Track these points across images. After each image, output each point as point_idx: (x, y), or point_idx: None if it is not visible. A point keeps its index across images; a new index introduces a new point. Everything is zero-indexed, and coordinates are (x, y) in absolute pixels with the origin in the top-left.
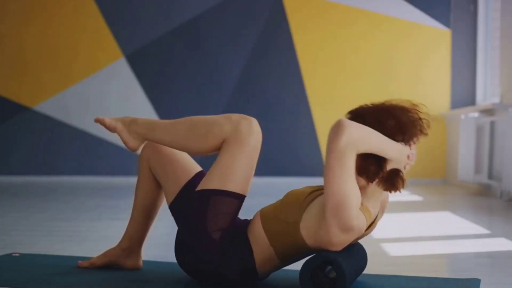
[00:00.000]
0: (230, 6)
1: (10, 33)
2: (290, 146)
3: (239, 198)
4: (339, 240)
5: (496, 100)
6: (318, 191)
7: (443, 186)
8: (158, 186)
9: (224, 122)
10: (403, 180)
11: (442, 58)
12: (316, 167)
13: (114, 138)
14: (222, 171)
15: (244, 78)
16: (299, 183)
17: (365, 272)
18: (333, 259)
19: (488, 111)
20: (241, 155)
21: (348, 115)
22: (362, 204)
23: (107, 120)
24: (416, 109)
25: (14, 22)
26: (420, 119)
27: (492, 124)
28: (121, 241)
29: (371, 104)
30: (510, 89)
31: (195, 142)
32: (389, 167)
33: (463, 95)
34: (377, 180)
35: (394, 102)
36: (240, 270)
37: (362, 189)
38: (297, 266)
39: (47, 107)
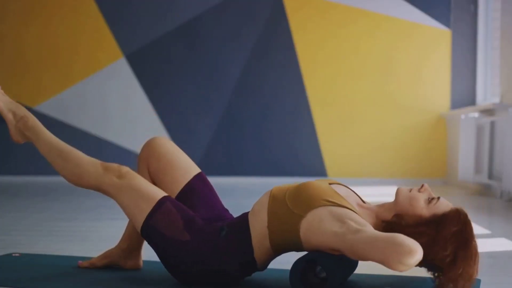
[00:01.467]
0: (230, 6)
1: (10, 33)
2: (290, 146)
3: (165, 200)
4: (336, 253)
5: (496, 100)
6: (334, 196)
7: (443, 186)
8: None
9: (91, 174)
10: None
11: (442, 58)
12: (316, 167)
13: (114, 138)
14: (134, 207)
15: (244, 78)
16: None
17: (365, 272)
18: (322, 259)
19: (488, 111)
20: (131, 189)
21: (452, 226)
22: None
23: (1, 105)
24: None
25: (14, 22)
26: (469, 280)
27: (492, 124)
28: (120, 242)
29: (468, 234)
30: (510, 89)
31: (68, 176)
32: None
33: (463, 95)
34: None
35: (477, 252)
36: (238, 259)
37: (374, 219)
38: (288, 266)
39: (47, 107)
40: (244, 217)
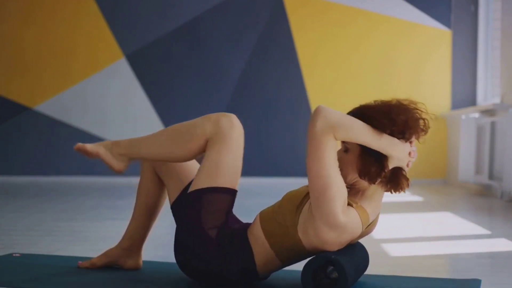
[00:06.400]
0: (230, 6)
1: (10, 33)
2: (290, 146)
3: (230, 193)
4: (328, 237)
5: (497, 100)
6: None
7: (443, 187)
8: (160, 185)
9: (204, 122)
10: (407, 179)
11: (442, 58)
12: None
13: (114, 138)
14: (210, 169)
15: (244, 77)
16: (299, 183)
17: (365, 272)
18: (334, 259)
19: (488, 112)
20: (226, 150)
21: (349, 113)
22: (356, 203)
23: (88, 147)
24: (416, 108)
25: (14, 22)
26: (421, 117)
27: (493, 124)
28: (121, 241)
29: (373, 101)
30: (510, 89)
31: (181, 148)
32: (390, 166)
33: (464, 96)
34: (378, 180)
35: (394, 101)
36: (240, 270)
37: (361, 191)
38: (299, 266)
39: (47, 107)
40: (244, 233)
